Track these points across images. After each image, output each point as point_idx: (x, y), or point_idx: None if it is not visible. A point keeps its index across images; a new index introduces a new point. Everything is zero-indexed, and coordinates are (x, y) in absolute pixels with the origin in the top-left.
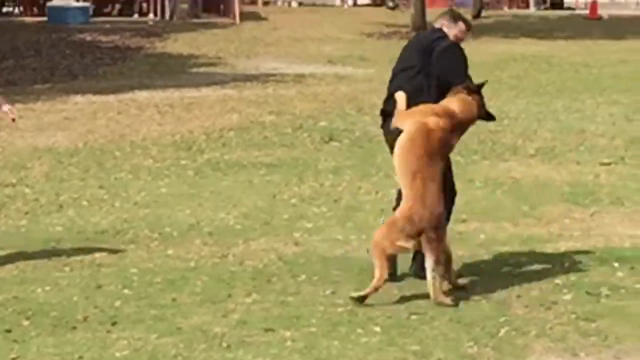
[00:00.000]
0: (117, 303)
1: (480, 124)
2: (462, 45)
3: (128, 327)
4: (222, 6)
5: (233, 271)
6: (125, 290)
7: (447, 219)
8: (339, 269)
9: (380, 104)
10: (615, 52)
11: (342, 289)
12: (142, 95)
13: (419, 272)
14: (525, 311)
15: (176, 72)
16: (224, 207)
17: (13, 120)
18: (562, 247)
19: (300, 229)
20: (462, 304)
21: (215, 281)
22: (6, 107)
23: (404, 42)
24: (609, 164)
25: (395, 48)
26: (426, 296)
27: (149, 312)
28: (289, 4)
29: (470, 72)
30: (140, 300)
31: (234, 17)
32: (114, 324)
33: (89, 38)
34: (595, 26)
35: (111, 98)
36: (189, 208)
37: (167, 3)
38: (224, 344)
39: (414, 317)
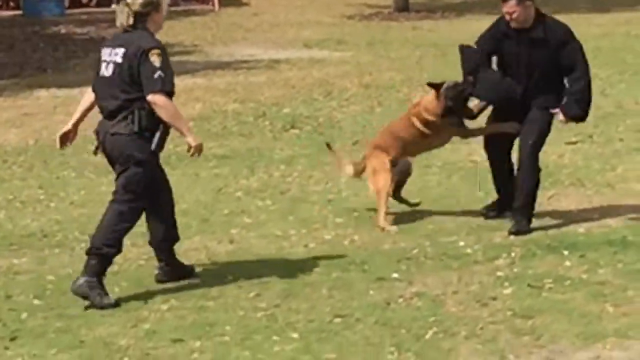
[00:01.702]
0: (24, 315)
1: None
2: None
3: (28, 342)
4: None
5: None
6: (36, 301)
7: None
8: (269, 267)
9: (352, 87)
10: (600, 26)
11: (267, 291)
12: None
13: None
14: (459, 309)
15: None
16: None
17: None
18: (511, 236)
19: (238, 225)
20: (392, 303)
21: (135, 286)
22: None
23: (385, 23)
24: (575, 142)
25: (376, 30)
26: (356, 296)
27: (54, 324)
28: None
29: (450, 51)
30: (49, 312)
31: (213, 4)
32: (13, 339)
33: (63, 30)
34: None
35: (76, 92)
36: None
37: None
38: (125, 359)
39: (337, 320)
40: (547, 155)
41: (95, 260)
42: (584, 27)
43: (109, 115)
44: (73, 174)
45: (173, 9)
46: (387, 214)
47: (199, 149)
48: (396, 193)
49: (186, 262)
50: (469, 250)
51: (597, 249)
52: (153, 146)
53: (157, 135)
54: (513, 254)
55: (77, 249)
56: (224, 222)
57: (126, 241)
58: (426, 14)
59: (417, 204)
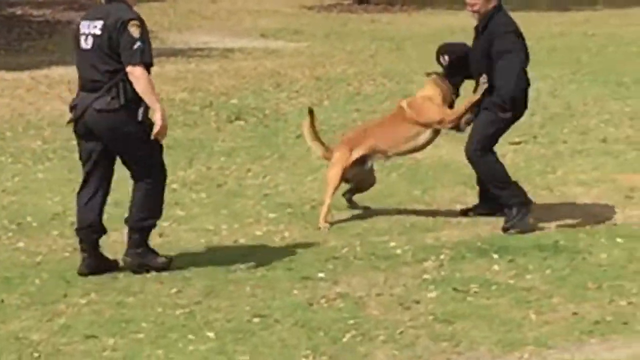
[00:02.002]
0: None
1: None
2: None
3: None
4: None
5: None
6: None
7: None
8: (195, 263)
9: (303, 79)
10: (558, 25)
11: (189, 288)
12: (58, 71)
13: None
14: (380, 312)
15: None
16: None
17: None
18: (444, 236)
19: (170, 218)
20: (315, 303)
21: (56, 279)
22: None
23: (344, 15)
24: (518, 143)
25: (334, 21)
26: (278, 296)
27: None
28: None
29: (406, 44)
30: None
31: None
32: None
33: (19, 12)
34: None
35: (25, 75)
36: (60, 195)
37: None
38: (35, 354)
39: (256, 320)
40: None
41: (138, 234)
42: (542, 25)
43: (91, 88)
44: (10, 160)
45: None
46: (329, 210)
47: (163, 130)
48: (349, 197)
49: (110, 255)
50: (398, 251)
51: (527, 254)
52: (140, 117)
53: (143, 105)
54: (442, 257)
55: (4, 238)
56: None
57: (53, 231)
58: (385, 6)
59: (366, 208)
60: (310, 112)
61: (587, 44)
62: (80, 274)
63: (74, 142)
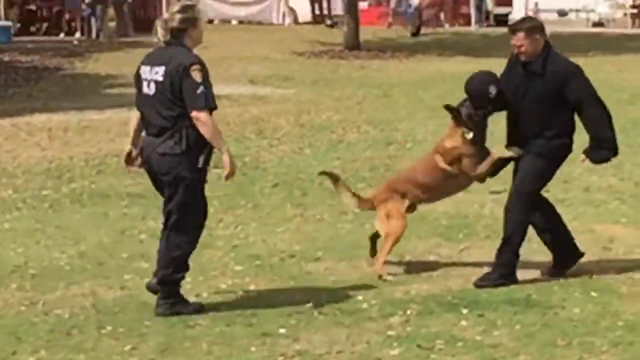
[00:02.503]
0: None
1: (380, 147)
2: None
3: None
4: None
5: (33, 322)
6: None
7: None
8: (153, 318)
9: (287, 126)
10: None
11: (144, 344)
12: (39, 118)
13: None
14: None
15: (88, 93)
16: (63, 244)
17: None
18: (414, 289)
19: (134, 270)
20: None
21: (7, 335)
22: None
23: (335, 61)
24: (499, 192)
25: (324, 67)
26: (235, 353)
27: None
28: (229, 22)
29: (394, 91)
30: None
31: None
32: None
33: (7, 58)
34: None
35: (6, 122)
36: (24, 246)
37: (93, 22)
38: None
39: None
40: (468, 204)
41: (168, 286)
42: None
43: (155, 132)
44: None
45: (123, 39)
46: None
47: (232, 174)
48: (376, 239)
49: (67, 310)
50: (365, 305)
51: (498, 308)
52: (200, 164)
53: (205, 152)
54: (409, 311)
55: None
56: (120, 266)
57: (12, 284)
58: (376, 53)
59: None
60: (330, 175)
61: None
62: (158, 314)
63: (45, 192)
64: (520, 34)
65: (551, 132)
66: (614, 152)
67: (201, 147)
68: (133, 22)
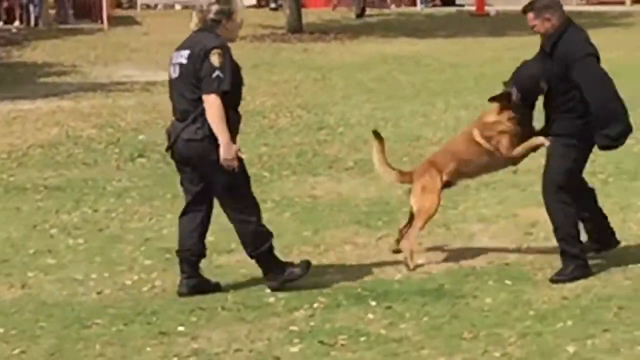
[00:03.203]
0: None
1: (311, 132)
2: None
3: None
4: (93, 11)
5: None
6: None
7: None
8: (49, 318)
9: None
10: (492, 50)
11: (35, 347)
12: None
13: None
14: None
15: (23, 82)
16: None
17: None
18: (324, 281)
19: (38, 267)
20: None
21: None
22: None
23: (277, 45)
24: None
25: (265, 51)
26: (129, 354)
27: None
28: (172, 6)
29: (333, 74)
30: None
31: (102, 22)
32: None
33: None
34: (480, 23)
35: None
36: None
37: (32, 9)
38: None
39: None
40: (392, 189)
41: (261, 261)
42: (475, 52)
43: (180, 116)
44: None
45: (62, 26)
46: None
47: (229, 162)
48: (404, 229)
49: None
50: (271, 300)
51: (407, 300)
52: None
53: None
54: (316, 305)
55: None
56: (25, 263)
57: None
58: (319, 35)
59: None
60: (378, 135)
61: None
62: (180, 294)
63: None
64: (530, 15)
65: (572, 114)
66: (615, 137)
67: None
68: (73, 9)
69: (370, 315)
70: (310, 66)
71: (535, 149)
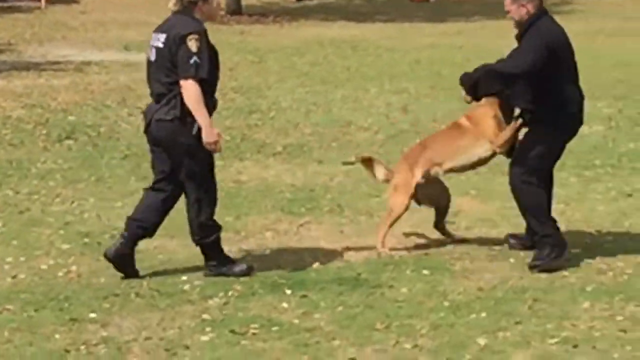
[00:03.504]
0: None
1: (242, 116)
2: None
3: None
4: None
5: None
6: None
7: None
8: None
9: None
10: (430, 36)
11: None
12: None
13: None
14: (143, 358)
15: None
16: None
17: None
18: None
19: None
20: (73, 350)
21: None
22: None
23: (215, 27)
24: (352, 163)
25: None
26: (36, 342)
27: None
28: None
29: (269, 57)
30: None
31: (40, 0)
32: None
33: None
34: (421, 8)
35: None
36: None
37: None
38: None
39: None
40: (319, 176)
41: (207, 249)
42: (413, 37)
43: (155, 99)
44: None
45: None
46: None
47: (212, 146)
48: (439, 224)
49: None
50: (187, 287)
51: (324, 289)
52: (194, 131)
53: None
54: (231, 293)
55: None
56: None
57: None
58: (258, 17)
59: (464, 240)
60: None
61: (453, 57)
62: (105, 256)
63: None
64: (507, 0)
65: (546, 104)
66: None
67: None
68: None
69: (285, 304)
70: (247, 49)
71: (517, 131)
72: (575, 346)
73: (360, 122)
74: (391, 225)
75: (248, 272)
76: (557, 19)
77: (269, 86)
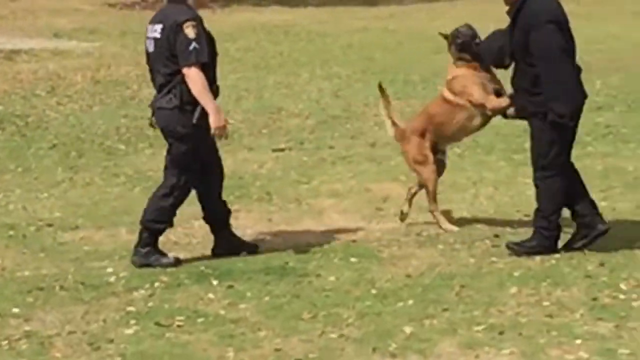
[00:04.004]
0: None
1: None
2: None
3: None
4: None
5: None
6: None
7: None
8: None
9: (82, 82)
10: (362, 19)
11: None
12: None
13: None
14: (66, 354)
15: None
16: None
17: None
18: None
19: None
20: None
21: None
22: None
23: (147, 13)
24: (282, 149)
25: (134, 19)
26: None
27: None
28: None
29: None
30: None
31: None
32: None
33: None
34: None
35: None
36: None
37: None
38: None
39: None
40: (248, 163)
41: (147, 233)
42: (345, 21)
43: (158, 89)
44: None
45: None
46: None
47: (220, 130)
48: (413, 196)
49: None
50: (112, 279)
51: (251, 278)
52: (194, 119)
53: (199, 108)
54: (157, 284)
55: None
56: None
57: None
58: None
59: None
60: (381, 87)
61: (385, 41)
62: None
63: None
64: None
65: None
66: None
67: (195, 102)
68: None
69: (211, 295)
70: None
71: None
72: (501, 333)
73: (291, 108)
74: (435, 199)
75: (175, 264)
76: (486, 1)
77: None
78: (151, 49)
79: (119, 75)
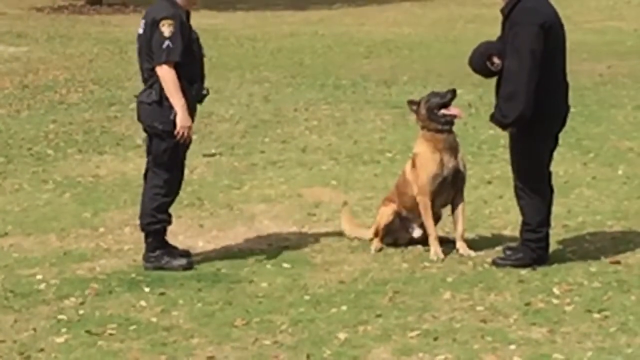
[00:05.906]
0: None
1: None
2: None
3: None
4: None
5: None
6: None
7: None
8: None
9: (10, 87)
10: (291, 24)
11: None
12: None
13: None
14: None
15: None
16: None
17: None
18: (100, 266)
19: None
20: None
21: None
22: None
23: (74, 17)
24: (213, 155)
25: (62, 24)
26: None
27: None
28: None
29: (129, 48)
30: None
31: None
32: None
33: None
34: None
35: None
36: None
37: None
38: None
39: None
40: None
41: (150, 237)
42: (274, 26)
43: (143, 84)
44: None
45: None
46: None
47: (183, 130)
48: None
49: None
50: (42, 286)
51: (183, 285)
52: (172, 115)
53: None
54: (88, 292)
55: None
56: None
57: None
58: (119, 7)
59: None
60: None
61: (315, 45)
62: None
63: None
64: None
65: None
66: (505, 118)
67: None
68: None
69: (143, 302)
70: (107, 39)
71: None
72: (435, 339)
73: (221, 112)
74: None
75: (189, 267)
76: (417, 5)
77: (129, 77)
78: (138, 44)
79: (47, 80)
